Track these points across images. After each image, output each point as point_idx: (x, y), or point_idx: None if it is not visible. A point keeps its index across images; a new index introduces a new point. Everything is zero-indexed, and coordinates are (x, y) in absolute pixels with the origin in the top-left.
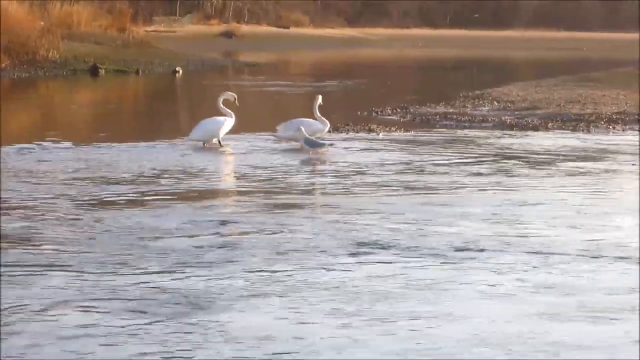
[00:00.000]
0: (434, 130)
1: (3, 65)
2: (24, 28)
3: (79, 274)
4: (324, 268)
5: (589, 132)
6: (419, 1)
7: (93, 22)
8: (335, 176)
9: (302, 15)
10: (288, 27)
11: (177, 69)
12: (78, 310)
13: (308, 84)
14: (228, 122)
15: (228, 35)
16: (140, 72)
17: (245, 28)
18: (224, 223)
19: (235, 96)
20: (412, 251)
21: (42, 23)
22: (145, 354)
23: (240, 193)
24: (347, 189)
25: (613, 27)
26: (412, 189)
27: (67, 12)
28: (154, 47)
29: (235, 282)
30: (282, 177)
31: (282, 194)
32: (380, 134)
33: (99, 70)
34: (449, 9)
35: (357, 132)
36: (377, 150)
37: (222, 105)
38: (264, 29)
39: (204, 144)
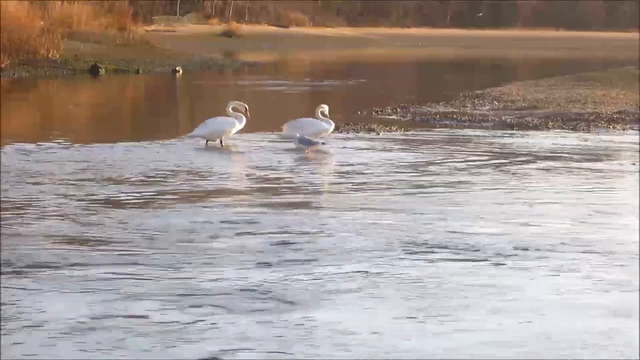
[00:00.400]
0: (435, 129)
1: (3, 64)
2: (24, 27)
3: (157, 272)
4: (396, 266)
5: (589, 131)
6: (418, 1)
7: (93, 22)
8: (343, 176)
9: (302, 14)
10: (288, 27)
11: (177, 68)
12: (167, 308)
13: (308, 84)
14: (236, 123)
15: (228, 34)
16: (140, 71)
17: (245, 27)
18: (254, 222)
19: (247, 107)
20: (472, 251)
21: (42, 22)
22: (231, 350)
23: (251, 192)
24: (358, 188)
25: (612, 27)
26: (423, 188)
27: (67, 12)
28: (154, 47)
29: (315, 280)
30: (290, 177)
31: (295, 193)
32: (381, 134)
33: (99, 69)
34: (449, 9)
35: (358, 132)
36: (379, 150)
37: (231, 111)
38: (264, 28)
39: (206, 142)
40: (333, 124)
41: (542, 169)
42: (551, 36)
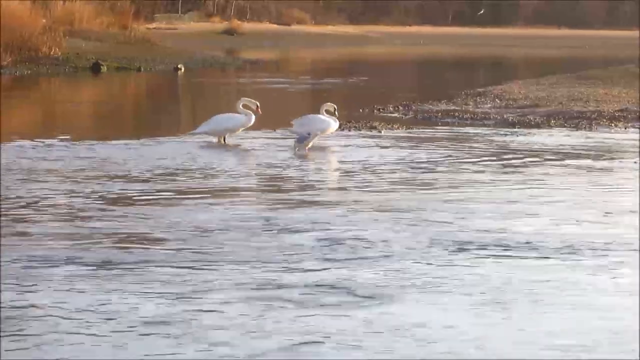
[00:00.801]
0: (437, 127)
1: (5, 62)
2: (25, 25)
3: (224, 267)
4: (453, 265)
5: (591, 129)
6: (419, 0)
7: (95, 20)
8: (356, 173)
9: (303, 12)
10: (290, 25)
11: (178, 66)
12: (239, 302)
13: (310, 82)
14: (244, 121)
15: (230, 32)
16: (142, 69)
17: (247, 25)
18: (267, 220)
19: (258, 104)
20: (525, 249)
21: (44, 20)
22: (308, 343)
23: (267, 191)
24: (373, 186)
25: (613, 25)
26: (435, 186)
27: (69, 10)
28: (156, 45)
29: (383, 276)
30: (301, 175)
31: (314, 190)
32: (383, 132)
33: (101, 67)
34: (450, 7)
35: (359, 130)
36: (382, 147)
37: (241, 108)
38: (266, 26)
39: (219, 139)
40: (338, 122)
41: (552, 168)
42: (552, 35)
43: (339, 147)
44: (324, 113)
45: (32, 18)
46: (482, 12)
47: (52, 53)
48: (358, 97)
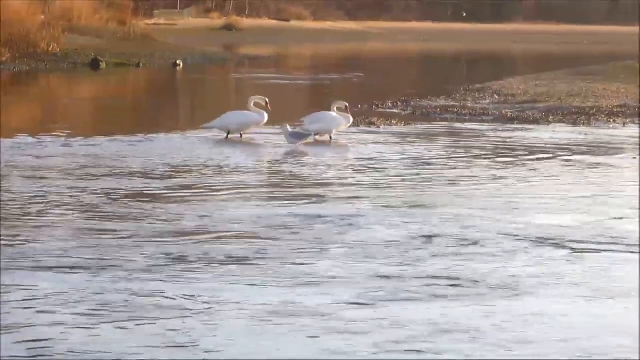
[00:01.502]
0: (435, 123)
1: (4, 58)
2: (24, 21)
3: (326, 263)
4: (544, 262)
5: (590, 125)
6: None
7: (94, 16)
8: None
9: (303, 8)
10: (289, 20)
11: (177, 62)
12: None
13: (309, 78)
14: (257, 118)
15: (229, 28)
16: (141, 65)
17: (246, 21)
18: (316, 217)
19: (267, 100)
20: (604, 245)
21: (42, 17)
22: (437, 333)
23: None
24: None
25: (613, 21)
26: (450, 181)
27: (68, 6)
28: (155, 40)
29: (492, 269)
30: (317, 172)
31: (330, 186)
32: (382, 127)
33: (100, 63)
34: (450, 3)
35: (358, 126)
36: (384, 143)
37: (253, 106)
38: (265, 22)
39: (239, 135)
40: (351, 118)
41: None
42: (552, 30)
43: (344, 143)
44: (335, 110)
45: (31, 14)
46: (464, 15)
47: (50, 49)
48: (357, 93)
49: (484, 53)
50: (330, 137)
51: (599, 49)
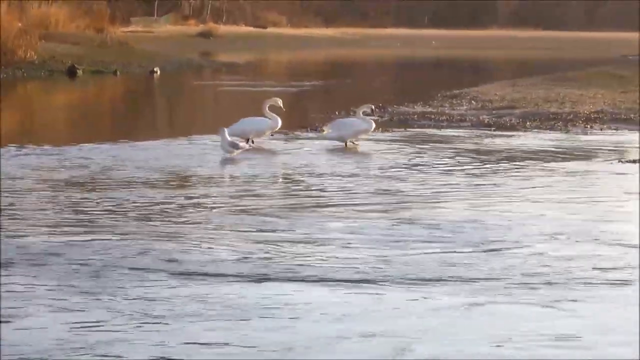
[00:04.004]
0: (412, 130)
1: None
2: (0, 29)
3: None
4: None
5: (567, 131)
6: (397, 1)
7: (70, 23)
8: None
9: (279, 15)
10: (266, 27)
11: (154, 69)
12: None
13: (286, 84)
14: (271, 124)
15: (206, 35)
16: (118, 72)
17: (223, 28)
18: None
19: (281, 101)
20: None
21: (19, 24)
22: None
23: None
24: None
25: (591, 27)
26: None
27: (45, 13)
28: (132, 48)
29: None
30: (331, 181)
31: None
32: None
33: (77, 71)
34: (428, 9)
35: None
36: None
37: (267, 110)
38: (242, 29)
39: (247, 141)
40: (373, 124)
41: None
42: (529, 36)
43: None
44: (361, 114)
45: (7, 21)
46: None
47: (27, 56)
48: (334, 99)
49: (461, 59)
50: (347, 144)
51: (576, 55)
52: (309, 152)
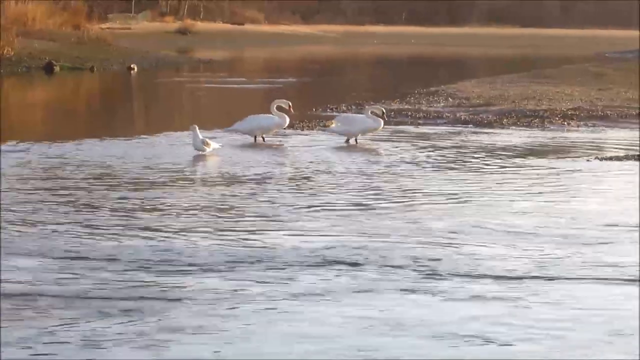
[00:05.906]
0: (389, 127)
1: None
2: None
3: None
4: None
5: (543, 128)
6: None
7: (48, 20)
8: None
9: (257, 12)
10: (243, 24)
11: (132, 66)
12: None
13: (263, 81)
14: (278, 121)
15: (183, 32)
16: (95, 69)
17: (200, 25)
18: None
19: (290, 104)
20: None
21: None
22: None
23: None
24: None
25: (567, 25)
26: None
27: (22, 10)
28: (109, 44)
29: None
30: (342, 178)
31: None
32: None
33: (54, 67)
34: (405, 7)
35: (312, 129)
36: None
37: (275, 109)
38: (219, 26)
39: (255, 138)
40: (381, 123)
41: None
42: (507, 34)
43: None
44: (369, 113)
45: None
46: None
47: (4, 53)
48: (311, 96)
49: (438, 56)
50: (350, 140)
51: (553, 52)
52: (295, 148)
